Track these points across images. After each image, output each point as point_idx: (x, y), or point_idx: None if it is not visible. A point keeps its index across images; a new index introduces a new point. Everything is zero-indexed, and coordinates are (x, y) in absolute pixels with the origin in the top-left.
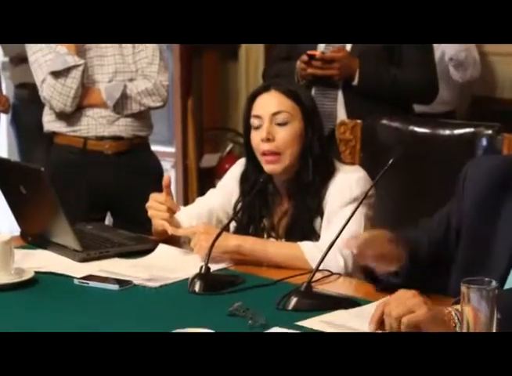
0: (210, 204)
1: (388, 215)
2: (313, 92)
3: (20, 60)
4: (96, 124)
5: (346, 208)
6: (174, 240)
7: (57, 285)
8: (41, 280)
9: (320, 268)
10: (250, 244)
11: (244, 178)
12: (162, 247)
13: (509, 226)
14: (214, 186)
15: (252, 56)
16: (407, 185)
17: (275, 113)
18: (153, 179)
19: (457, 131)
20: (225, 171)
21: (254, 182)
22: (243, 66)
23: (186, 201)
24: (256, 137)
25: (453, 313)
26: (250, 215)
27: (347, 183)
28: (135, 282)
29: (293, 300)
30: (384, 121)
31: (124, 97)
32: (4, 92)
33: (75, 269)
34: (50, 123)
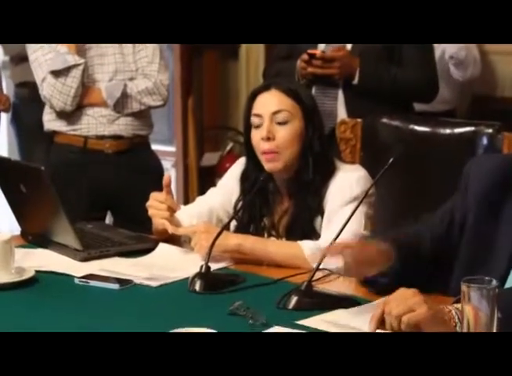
0: (211, 203)
1: (389, 213)
2: (313, 91)
3: (20, 59)
4: (97, 123)
5: (346, 207)
6: (174, 240)
7: (57, 284)
8: (41, 279)
9: (320, 267)
10: (250, 243)
11: (244, 177)
12: (162, 247)
13: (509, 227)
14: (214, 185)
15: (252, 56)
16: (407, 184)
17: (275, 112)
18: (154, 178)
19: (457, 130)
20: (226, 170)
21: (254, 181)
22: (244, 66)
23: (187, 200)
24: (256, 136)
25: (454, 312)
26: (251, 214)
27: (348, 182)
28: (136, 281)
29: (294, 299)
30: (385, 120)
31: (125, 96)
32: (4, 90)
33: (76, 269)
34: (50, 122)
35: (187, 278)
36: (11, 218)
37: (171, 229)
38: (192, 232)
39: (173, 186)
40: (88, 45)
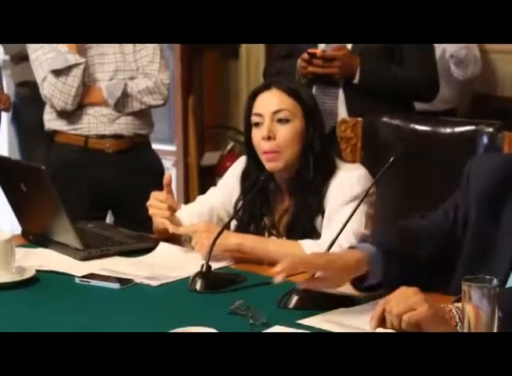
0: (211, 202)
1: (389, 213)
2: (314, 90)
3: (21, 58)
4: (97, 122)
5: (347, 206)
6: (175, 239)
7: (58, 284)
8: (42, 278)
9: None
10: (250, 242)
11: (245, 177)
12: (163, 246)
13: (510, 226)
14: (215, 184)
15: (253, 55)
16: (408, 183)
17: (276, 112)
18: (154, 178)
19: (458, 129)
20: (226, 169)
21: (254, 181)
22: (244, 65)
23: (187, 200)
24: (257, 135)
25: (454, 311)
26: (251, 214)
27: (348, 181)
28: (136, 280)
29: (294, 298)
30: (385, 119)
31: (125, 95)
32: (5, 90)
33: (76, 268)
34: (51, 121)
35: (188, 277)
36: (11, 217)
37: (171, 229)
38: (193, 231)
39: (173, 186)
40: (88, 45)
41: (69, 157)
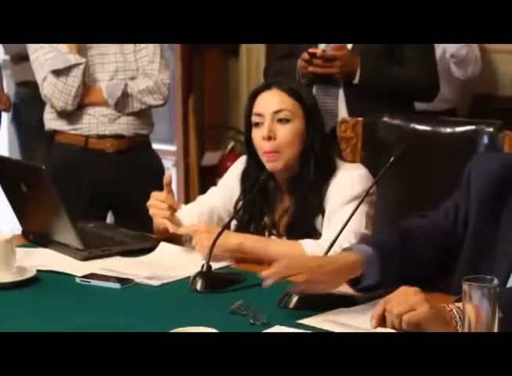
0: (212, 202)
1: (389, 212)
2: (314, 90)
3: (21, 58)
4: (97, 122)
5: (347, 206)
6: (175, 239)
7: (59, 284)
8: (42, 278)
9: None
10: (251, 242)
11: (245, 176)
12: (163, 246)
13: (510, 229)
14: (215, 184)
15: (253, 54)
16: (408, 183)
17: (276, 112)
18: (155, 178)
19: (458, 129)
20: (227, 169)
21: (255, 180)
22: (244, 64)
23: (187, 200)
24: (257, 135)
25: (455, 311)
26: (251, 213)
27: (349, 181)
28: (137, 280)
29: (295, 298)
30: (385, 119)
31: (125, 95)
32: (5, 90)
33: (77, 268)
34: (51, 121)
35: (188, 277)
36: (12, 217)
37: (171, 229)
38: (193, 231)
39: (174, 186)
40: (88, 45)
41: (69, 157)
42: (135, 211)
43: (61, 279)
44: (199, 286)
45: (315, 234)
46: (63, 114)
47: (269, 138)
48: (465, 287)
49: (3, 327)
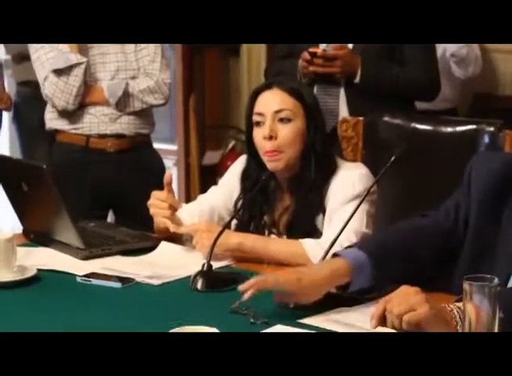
0: (212, 201)
1: (390, 212)
2: (315, 89)
3: (22, 58)
4: (98, 122)
5: (348, 205)
6: (176, 238)
7: (59, 283)
8: (43, 277)
9: None
10: (251, 241)
11: (245, 176)
12: (164, 245)
13: (511, 229)
14: (216, 183)
15: (254, 54)
16: (409, 182)
17: (277, 111)
18: (155, 177)
19: (459, 129)
20: (227, 168)
21: (256, 180)
22: (245, 64)
23: (188, 199)
24: (258, 135)
25: (455, 312)
26: (251, 212)
27: (350, 180)
28: (138, 279)
29: None
30: (386, 118)
31: (126, 95)
32: (6, 89)
33: (77, 267)
34: (52, 121)
35: (189, 276)
36: (13, 216)
37: (172, 228)
38: (194, 230)
39: (175, 185)
40: (90, 44)
41: (70, 157)
42: (135, 211)
43: (62, 278)
44: (199, 285)
45: (315, 233)
46: (64, 114)
47: (270, 137)
48: (465, 286)
49: (4, 326)
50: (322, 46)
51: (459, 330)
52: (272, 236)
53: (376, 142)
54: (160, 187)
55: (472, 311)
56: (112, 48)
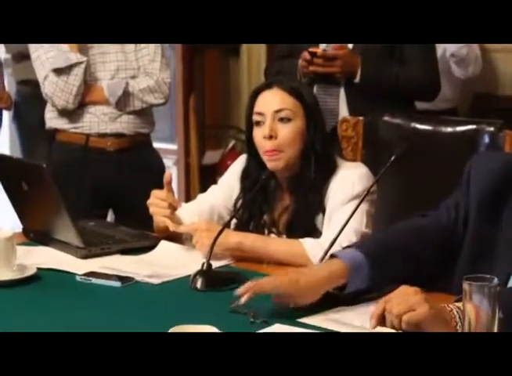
0: (212, 200)
1: (390, 211)
2: (315, 89)
3: (22, 57)
4: (98, 121)
5: (348, 205)
6: (175, 237)
7: (59, 282)
8: (43, 276)
9: None
10: (250, 240)
11: (245, 175)
12: (164, 244)
13: (511, 229)
14: (215, 183)
15: (254, 53)
16: (409, 182)
17: (277, 111)
18: (155, 176)
19: (459, 129)
20: (227, 168)
21: (255, 179)
22: (245, 64)
23: (188, 198)
24: (258, 134)
25: (455, 312)
26: (251, 212)
27: (350, 180)
28: (137, 278)
29: None
30: (386, 118)
31: (126, 94)
32: (6, 88)
33: (77, 266)
34: (52, 120)
35: (188, 276)
36: (13, 215)
37: (172, 227)
38: (194, 230)
39: (174, 184)
40: (90, 44)
41: (70, 156)
42: (135, 210)
43: (61, 277)
44: (199, 284)
45: (315, 233)
46: (63, 113)
47: (270, 137)
48: (465, 286)
49: (3, 324)
50: (322, 46)
51: (459, 331)
52: (272, 235)
53: (376, 142)
54: (160, 187)
55: (472, 311)
56: (112, 48)
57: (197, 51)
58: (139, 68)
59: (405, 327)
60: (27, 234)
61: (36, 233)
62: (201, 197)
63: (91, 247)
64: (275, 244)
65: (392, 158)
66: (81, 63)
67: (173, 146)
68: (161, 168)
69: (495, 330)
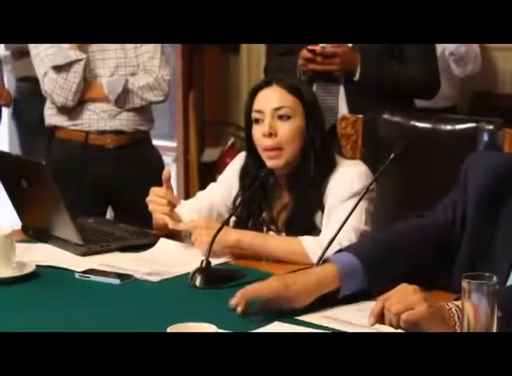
0: (211, 198)
1: (389, 209)
2: (315, 87)
3: (21, 54)
4: (98, 118)
5: (347, 203)
6: (175, 235)
7: (58, 279)
8: (42, 273)
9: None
10: (249, 238)
11: (244, 173)
12: (163, 242)
13: (509, 229)
14: (215, 180)
15: (253, 51)
16: (408, 180)
17: (277, 109)
18: (154, 174)
19: (459, 127)
20: (226, 165)
21: (255, 177)
22: (245, 61)
23: (187, 196)
24: (257, 132)
25: (454, 310)
26: (250, 209)
27: (349, 177)
28: (136, 276)
29: None
30: (386, 116)
31: (126, 91)
32: (5, 85)
33: (76, 263)
34: (52, 117)
35: (188, 273)
36: (12, 212)
37: (171, 225)
38: (193, 227)
39: (174, 182)
40: None
41: (69, 153)
42: (134, 207)
43: (60, 274)
44: (198, 282)
45: (314, 230)
46: (63, 110)
47: (270, 134)
48: (464, 284)
49: (2, 322)
50: (322, 44)
51: (458, 329)
52: (271, 233)
53: (375, 140)
54: (159, 184)
55: (470, 309)
56: (112, 45)
57: (197, 48)
58: (139, 65)
59: (404, 325)
60: (26, 231)
61: (35, 231)
62: (200, 194)
63: (91, 244)
64: (274, 242)
65: (391, 156)
66: (80, 60)
67: (172, 144)
68: (160, 166)
69: (494, 329)
